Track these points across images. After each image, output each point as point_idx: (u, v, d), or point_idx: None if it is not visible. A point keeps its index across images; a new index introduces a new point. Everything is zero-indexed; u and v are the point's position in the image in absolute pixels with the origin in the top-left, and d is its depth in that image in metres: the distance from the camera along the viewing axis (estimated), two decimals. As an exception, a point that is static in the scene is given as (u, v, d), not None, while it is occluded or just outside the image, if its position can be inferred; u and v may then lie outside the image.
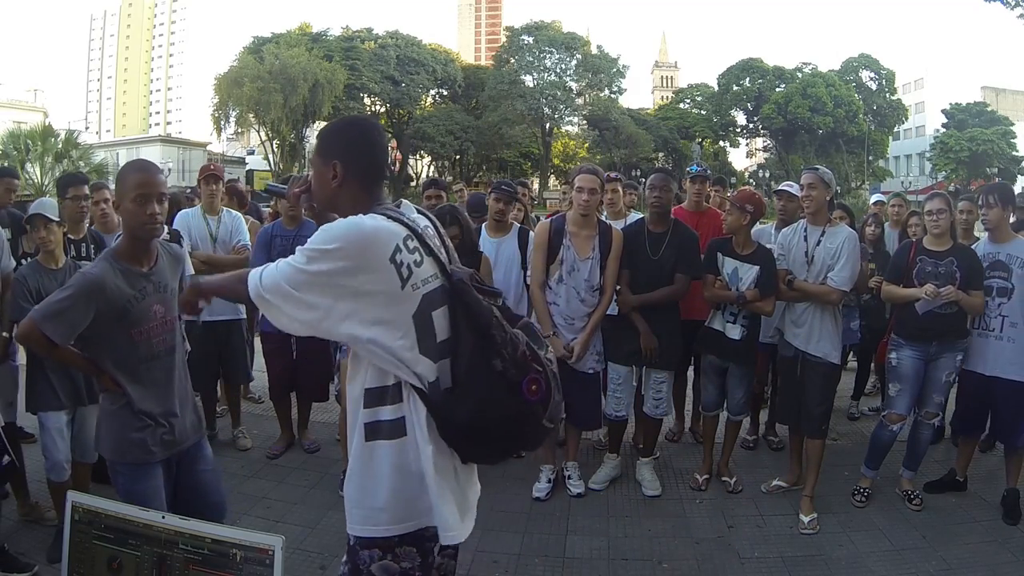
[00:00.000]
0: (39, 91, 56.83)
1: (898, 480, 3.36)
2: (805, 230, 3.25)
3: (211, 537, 1.38)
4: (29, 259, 2.93)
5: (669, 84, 74.08)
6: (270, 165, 40.55)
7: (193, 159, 40.31)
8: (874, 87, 45.10)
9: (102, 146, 39.36)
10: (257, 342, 4.37)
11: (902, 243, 3.80)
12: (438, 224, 1.57)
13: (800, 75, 44.70)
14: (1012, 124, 38.93)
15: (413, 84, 44.99)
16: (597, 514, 3.20)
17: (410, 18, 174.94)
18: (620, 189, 3.96)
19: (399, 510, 1.39)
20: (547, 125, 46.56)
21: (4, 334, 2.92)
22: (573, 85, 46.41)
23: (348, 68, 41.63)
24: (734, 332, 3.32)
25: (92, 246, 3.56)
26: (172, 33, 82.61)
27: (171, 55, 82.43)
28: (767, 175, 42.76)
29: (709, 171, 4.37)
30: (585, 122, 47.00)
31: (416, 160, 51.82)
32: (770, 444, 4.05)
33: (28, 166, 23.77)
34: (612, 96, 46.97)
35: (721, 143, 50.00)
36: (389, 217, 1.38)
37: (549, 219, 3.43)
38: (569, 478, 3.39)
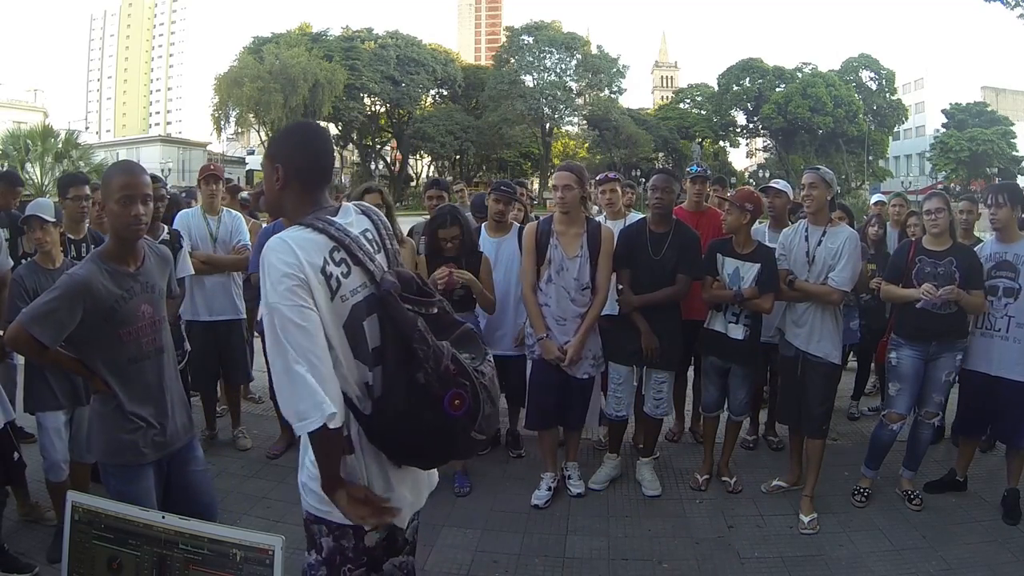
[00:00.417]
0: (39, 91, 56.92)
1: (898, 480, 3.36)
2: (806, 230, 3.24)
3: (211, 537, 1.38)
4: (28, 259, 2.92)
5: (669, 84, 74.09)
6: (270, 165, 40.49)
7: (193, 159, 40.34)
8: (874, 87, 45.10)
9: (102, 146, 39.39)
10: (257, 342, 4.38)
11: (901, 243, 3.80)
12: (382, 226, 1.55)
13: (800, 75, 44.70)
14: (1012, 124, 38.95)
15: (413, 84, 45.01)
16: (597, 514, 3.20)
17: (410, 18, 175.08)
18: (619, 189, 3.95)
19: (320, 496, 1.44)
20: (547, 125, 46.58)
21: (1, 333, 2.92)
22: (573, 85, 46.44)
23: (348, 68, 41.65)
24: (737, 332, 3.32)
25: (92, 246, 3.56)
26: (172, 33, 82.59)
27: (171, 55, 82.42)
28: (767, 175, 42.74)
29: (709, 171, 4.37)
30: (585, 122, 47.02)
31: (416, 160, 51.88)
32: (770, 444, 4.05)
33: (28, 166, 23.79)
34: (612, 96, 46.99)
35: (721, 143, 50.03)
36: (316, 228, 1.39)
37: (537, 220, 3.42)
38: (569, 478, 3.39)
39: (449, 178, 37.59)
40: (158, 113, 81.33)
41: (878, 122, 44.60)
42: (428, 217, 3.89)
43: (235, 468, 3.64)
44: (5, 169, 5.14)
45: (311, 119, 40.13)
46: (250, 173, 36.84)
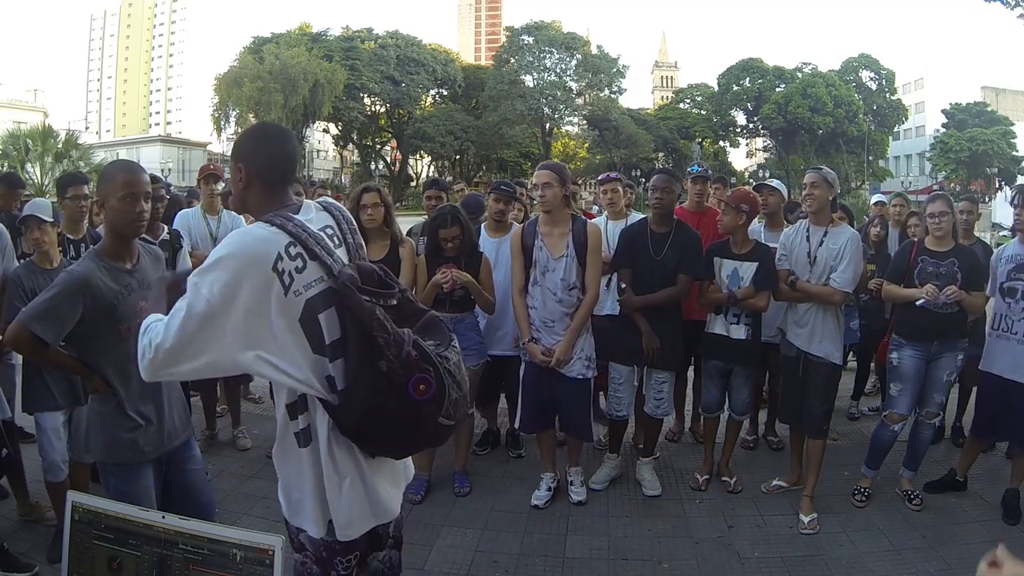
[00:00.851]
0: (39, 91, 56.93)
1: (898, 480, 3.36)
2: (807, 230, 3.24)
3: (211, 537, 1.38)
4: (26, 259, 2.91)
5: (669, 84, 74.10)
6: (270, 165, 40.50)
7: (193, 159, 40.37)
8: (874, 87, 45.09)
9: (102, 146, 39.42)
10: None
11: (903, 243, 3.80)
12: (343, 220, 1.58)
13: (800, 75, 44.68)
14: (1012, 124, 38.93)
15: (413, 84, 45.03)
16: (597, 514, 3.20)
17: (410, 18, 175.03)
18: (621, 189, 3.95)
19: (319, 513, 1.47)
20: (547, 125, 46.59)
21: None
22: (573, 85, 46.44)
23: (348, 68, 41.66)
24: (739, 332, 3.32)
25: (92, 246, 3.56)
26: (172, 33, 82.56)
27: (171, 55, 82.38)
28: (767, 175, 42.76)
29: (710, 171, 4.38)
30: (585, 122, 47.02)
31: (416, 160, 51.90)
32: (770, 444, 4.06)
33: (28, 166, 23.80)
34: (612, 96, 46.98)
35: (721, 143, 50.02)
36: (274, 225, 1.41)
37: (523, 223, 3.40)
38: (571, 484, 3.34)
39: (449, 178, 37.69)
40: (158, 113, 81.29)
41: (878, 122, 44.58)
42: (428, 217, 3.89)
43: (235, 468, 3.64)
44: (6, 171, 5.12)
45: (311, 119, 40.08)
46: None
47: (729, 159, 51.70)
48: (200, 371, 1.37)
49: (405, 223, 4.36)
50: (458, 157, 48.19)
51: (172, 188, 6.39)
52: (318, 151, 57.69)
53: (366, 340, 1.35)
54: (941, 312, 3.10)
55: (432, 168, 49.60)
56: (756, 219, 3.96)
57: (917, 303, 3.10)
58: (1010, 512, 3.09)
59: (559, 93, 45.11)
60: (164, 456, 2.06)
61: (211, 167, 4.14)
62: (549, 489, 3.31)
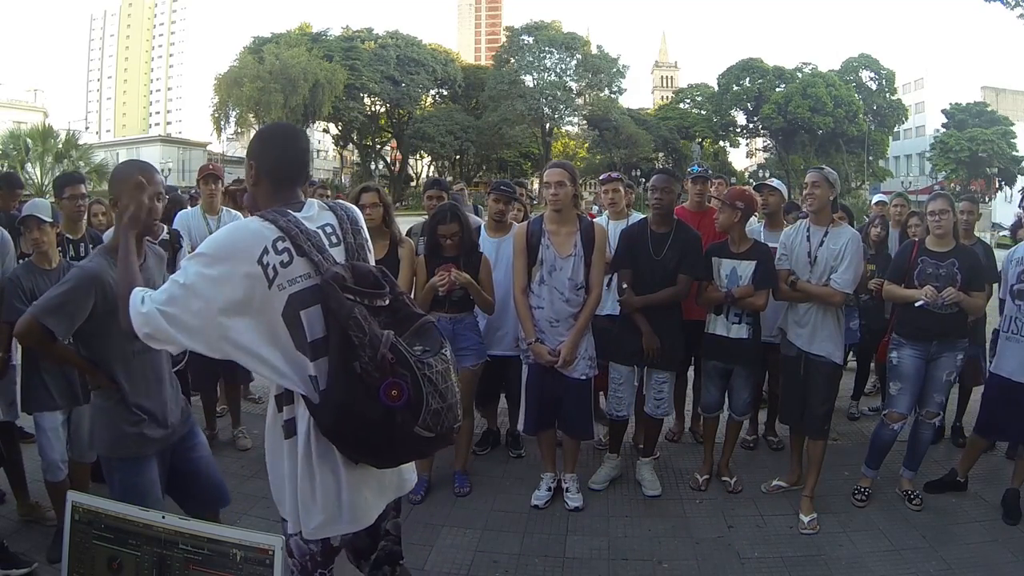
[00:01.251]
0: (39, 91, 56.95)
1: (898, 480, 3.36)
2: (808, 230, 3.23)
3: (211, 537, 1.38)
4: (25, 260, 2.90)
5: (669, 84, 74.10)
6: (270, 165, 40.50)
7: (193, 159, 40.35)
8: (874, 87, 45.08)
9: (102, 146, 39.36)
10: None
11: (904, 243, 3.80)
12: (346, 220, 1.59)
13: (800, 75, 44.67)
14: (1012, 124, 38.93)
15: (413, 84, 45.03)
16: (597, 514, 3.20)
17: (410, 18, 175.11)
18: (622, 189, 3.95)
19: (294, 507, 1.48)
20: (547, 125, 46.58)
21: None
22: (573, 85, 46.44)
23: (348, 68, 41.66)
24: (740, 332, 3.32)
25: (91, 245, 3.56)
26: (172, 33, 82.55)
27: (171, 55, 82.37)
28: (767, 175, 42.76)
29: (710, 171, 4.38)
30: (585, 122, 47.03)
31: (416, 160, 51.90)
32: (770, 444, 4.06)
33: (28, 166, 23.79)
34: (612, 96, 46.99)
35: (721, 143, 50.02)
36: (266, 219, 1.43)
37: (527, 221, 3.38)
38: (567, 491, 3.30)
39: (449, 178, 37.67)
40: (158, 113, 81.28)
41: (878, 122, 44.58)
42: (427, 217, 3.89)
43: (235, 468, 3.64)
44: (5, 171, 5.12)
45: (311, 119, 40.09)
46: (250, 173, 36.73)
47: (729, 159, 51.72)
48: (184, 343, 1.39)
49: (405, 223, 4.36)
50: (458, 157, 48.19)
51: (178, 190, 6.37)
52: (318, 151, 57.65)
53: (343, 339, 1.34)
54: (941, 312, 3.10)
55: (432, 168, 49.59)
56: (756, 219, 3.97)
57: (916, 304, 3.10)
58: (1010, 512, 3.09)
59: (559, 93, 45.11)
60: (168, 449, 2.10)
61: (211, 167, 4.14)
62: (549, 489, 3.31)
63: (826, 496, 3.25)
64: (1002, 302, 3.37)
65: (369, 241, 1.66)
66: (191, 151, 44.39)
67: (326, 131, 51.07)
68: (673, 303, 3.35)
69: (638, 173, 40.22)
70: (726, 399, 3.54)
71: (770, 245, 3.46)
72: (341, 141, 50.25)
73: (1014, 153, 38.38)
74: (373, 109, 46.81)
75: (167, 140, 48.34)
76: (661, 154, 46.86)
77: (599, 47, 47.56)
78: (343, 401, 1.35)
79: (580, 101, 46.44)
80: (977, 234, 3.84)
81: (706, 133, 47.85)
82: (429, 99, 48.94)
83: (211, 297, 1.35)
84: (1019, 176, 35.88)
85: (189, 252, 3.59)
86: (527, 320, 3.18)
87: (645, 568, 2.76)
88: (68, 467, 2.78)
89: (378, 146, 50.03)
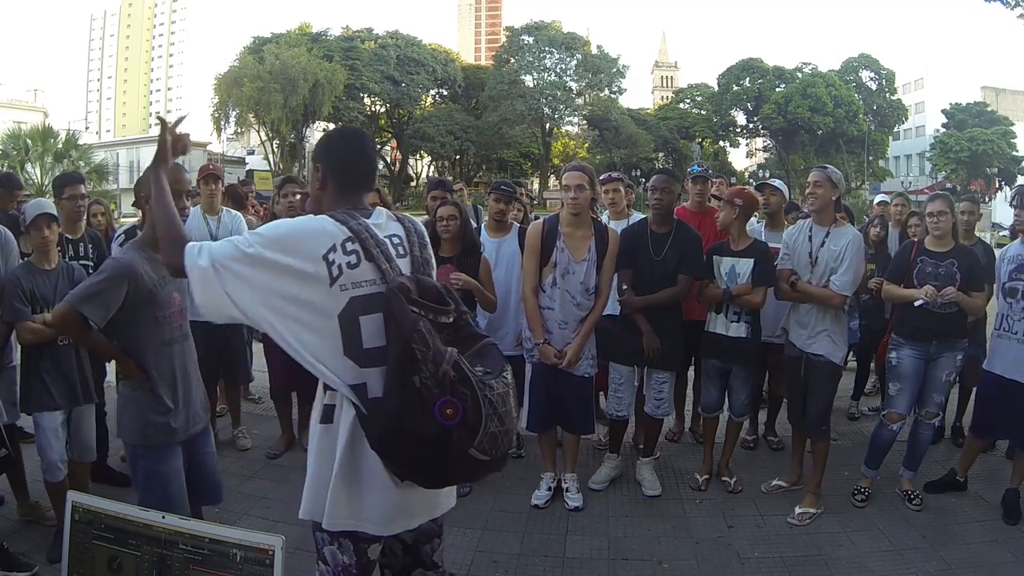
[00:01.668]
0: (39, 91, 57.03)
1: (898, 480, 3.36)
2: (810, 230, 3.22)
3: (211, 537, 1.38)
4: (25, 260, 2.89)
5: (669, 84, 74.09)
6: (270, 165, 40.57)
7: (193, 159, 40.21)
8: (874, 87, 45.08)
9: (102, 146, 39.32)
10: (256, 344, 4.38)
11: (903, 243, 3.80)
12: (414, 233, 1.58)
13: (800, 75, 44.68)
14: (1012, 124, 38.94)
15: (413, 84, 45.01)
16: (597, 514, 3.19)
17: (410, 18, 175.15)
18: (623, 189, 3.95)
19: (312, 496, 1.47)
20: (547, 125, 46.58)
21: None
22: (573, 85, 46.43)
23: (348, 68, 41.64)
24: (740, 331, 3.32)
25: (90, 245, 3.56)
26: (172, 33, 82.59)
27: (171, 55, 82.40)
28: (767, 175, 42.76)
29: (710, 171, 4.38)
30: (585, 122, 47.03)
31: (416, 160, 51.88)
32: (770, 444, 4.05)
33: (28, 166, 23.76)
34: (612, 96, 46.99)
35: (721, 143, 50.03)
36: (337, 219, 1.43)
37: (542, 220, 3.38)
38: (567, 491, 3.29)
39: (449, 178, 37.65)
40: (158, 113, 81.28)
41: (878, 122, 44.57)
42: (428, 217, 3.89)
43: (235, 468, 3.64)
44: (4, 172, 5.12)
45: (311, 119, 39.99)
46: (250, 173, 36.74)
47: (729, 159, 51.72)
48: (231, 310, 1.33)
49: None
50: (458, 157, 48.18)
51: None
52: (318, 151, 57.60)
53: (405, 351, 1.32)
54: (940, 312, 3.10)
55: (432, 168, 49.57)
56: (756, 219, 3.97)
57: (916, 304, 3.10)
58: (1010, 512, 3.09)
59: (559, 93, 45.10)
60: (189, 439, 2.22)
61: (211, 167, 4.14)
62: (549, 489, 3.31)
63: (826, 496, 3.25)
64: None
65: (433, 257, 1.64)
66: (191, 151, 44.32)
67: (326, 131, 50.96)
68: (673, 303, 3.35)
69: (638, 173, 40.23)
70: (726, 399, 3.54)
71: (771, 245, 3.46)
72: (341, 141, 50.16)
73: (1014, 153, 38.39)
74: (373, 109, 46.81)
75: (167, 140, 48.20)
76: (661, 154, 46.87)
77: (599, 47, 47.58)
78: (396, 414, 1.31)
79: (580, 101, 46.44)
80: (977, 234, 3.83)
81: (706, 133, 47.85)
82: (429, 99, 48.93)
83: (266, 279, 1.34)
84: (1019, 176, 35.85)
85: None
86: (536, 321, 3.16)
87: (645, 568, 2.76)
88: (68, 467, 2.78)
89: (378, 146, 49.99)
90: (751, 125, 48.05)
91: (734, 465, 3.59)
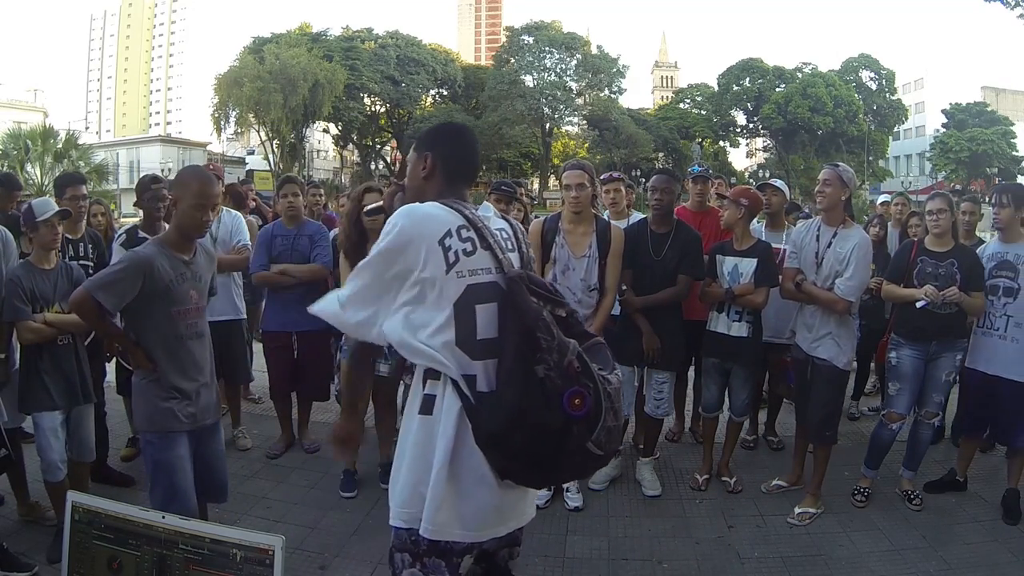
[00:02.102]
0: (39, 91, 56.98)
1: (898, 480, 3.36)
2: (818, 229, 3.19)
3: (211, 537, 1.38)
4: (24, 260, 2.88)
5: (669, 84, 74.06)
6: (270, 165, 40.57)
7: (193, 159, 40.28)
8: (874, 87, 45.08)
9: (102, 146, 39.37)
10: (257, 344, 4.37)
11: (903, 243, 3.80)
12: (519, 231, 1.57)
13: (800, 75, 44.69)
14: (1012, 124, 38.96)
15: (413, 84, 45.02)
16: (597, 514, 3.19)
17: (410, 18, 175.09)
18: (623, 188, 3.95)
19: (407, 498, 1.38)
20: (547, 125, 46.57)
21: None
22: (573, 85, 46.42)
23: (348, 68, 41.63)
24: (740, 330, 3.32)
25: (90, 246, 3.56)
26: (172, 33, 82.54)
27: (171, 55, 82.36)
28: (767, 175, 42.75)
29: (710, 171, 4.38)
30: (585, 122, 47.01)
31: (416, 160, 51.77)
32: (770, 444, 4.05)
33: (28, 166, 23.78)
34: (612, 96, 46.98)
35: (721, 143, 50.01)
36: (448, 206, 1.42)
37: (543, 219, 3.38)
38: (567, 491, 3.28)
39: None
40: (158, 113, 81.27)
41: (878, 122, 44.58)
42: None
43: (235, 468, 3.63)
44: (4, 173, 5.12)
45: (311, 119, 39.90)
46: (250, 173, 36.78)
47: (729, 159, 51.71)
48: (368, 320, 1.41)
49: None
50: (458, 157, 48.11)
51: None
52: (318, 151, 57.68)
53: (527, 341, 1.28)
54: (940, 312, 3.10)
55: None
56: (756, 219, 3.97)
57: (917, 305, 3.09)
58: (1010, 512, 3.09)
59: (559, 93, 45.09)
60: (197, 431, 2.30)
61: (211, 167, 4.14)
62: (549, 489, 3.31)
63: (826, 496, 3.25)
64: None
65: (534, 259, 1.65)
66: (191, 151, 44.36)
67: (326, 131, 51.05)
68: (673, 303, 3.35)
69: (638, 173, 40.20)
70: (726, 399, 3.53)
71: (772, 245, 3.46)
72: (341, 141, 50.24)
73: (1014, 153, 38.39)
74: (373, 109, 46.80)
75: (167, 140, 48.29)
76: (661, 154, 46.86)
77: (599, 47, 47.56)
78: (519, 404, 1.26)
79: (580, 101, 46.43)
80: (978, 234, 3.84)
81: (706, 133, 47.84)
82: (429, 99, 48.92)
83: (381, 271, 1.39)
84: (1019, 176, 35.85)
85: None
86: None
87: (645, 568, 2.76)
88: (68, 467, 2.78)
89: (378, 146, 50.02)
90: (751, 125, 48.04)
91: (734, 465, 3.59)
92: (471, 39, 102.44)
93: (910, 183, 40.75)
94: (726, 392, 3.51)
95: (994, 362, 3.14)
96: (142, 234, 3.43)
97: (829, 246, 3.12)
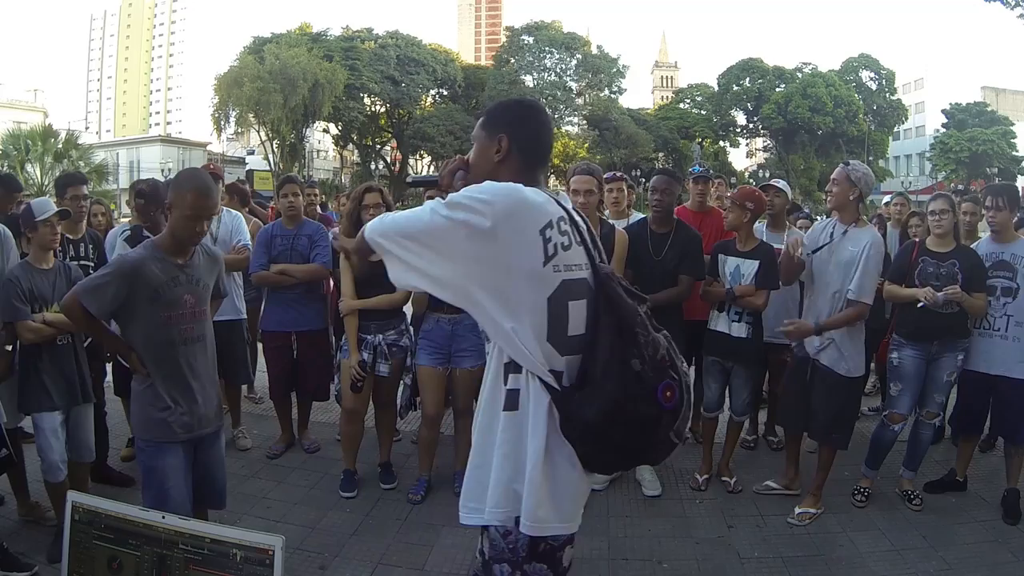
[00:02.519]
0: (39, 91, 56.94)
1: (898, 480, 3.36)
2: (833, 227, 3.14)
3: (211, 537, 1.38)
4: (22, 260, 2.88)
5: (669, 84, 74.09)
6: (270, 165, 40.55)
7: (193, 159, 40.33)
8: (874, 87, 45.09)
9: (102, 146, 39.39)
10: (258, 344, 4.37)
11: (905, 244, 3.79)
12: (588, 228, 1.50)
13: (800, 75, 44.68)
14: (1012, 124, 38.95)
15: (413, 84, 45.01)
16: (597, 514, 3.19)
17: (410, 18, 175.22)
18: (625, 188, 3.95)
19: (500, 497, 1.34)
20: (547, 125, 46.52)
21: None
22: (573, 85, 46.45)
23: (348, 68, 41.62)
24: (741, 331, 3.32)
25: (90, 246, 3.56)
26: (172, 33, 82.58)
27: (171, 55, 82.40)
28: (767, 175, 42.75)
29: (711, 171, 4.39)
30: (585, 122, 47.00)
31: (416, 160, 51.88)
32: (770, 444, 4.05)
33: (28, 166, 23.78)
34: (612, 96, 46.98)
35: (721, 143, 49.98)
36: (551, 196, 1.36)
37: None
38: None
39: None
40: (158, 113, 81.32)
41: (878, 122, 44.58)
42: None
43: (235, 468, 3.63)
44: (3, 173, 5.12)
45: (311, 119, 39.81)
46: (250, 173, 36.76)
47: (729, 159, 51.67)
48: (413, 274, 1.29)
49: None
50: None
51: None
52: (318, 151, 57.67)
53: (625, 336, 1.28)
54: (941, 312, 3.09)
55: (432, 168, 49.54)
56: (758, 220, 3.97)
57: (919, 305, 3.08)
58: (1010, 512, 3.09)
59: (559, 93, 45.11)
60: (195, 440, 2.25)
61: (211, 167, 4.15)
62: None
63: (826, 496, 3.24)
64: None
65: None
66: (191, 151, 44.38)
67: (326, 131, 51.04)
68: (674, 304, 3.35)
69: (638, 173, 40.20)
70: (726, 399, 3.53)
71: (774, 246, 3.45)
72: (341, 141, 50.22)
73: (1014, 153, 38.38)
74: (373, 109, 46.78)
75: (167, 140, 48.30)
76: (661, 154, 46.87)
77: (599, 47, 47.55)
78: (619, 397, 1.26)
79: (580, 101, 46.45)
80: (980, 234, 3.83)
81: (706, 133, 47.82)
82: (429, 99, 48.91)
83: (472, 241, 1.25)
84: (1019, 176, 35.84)
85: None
86: None
87: (645, 568, 2.76)
88: (68, 467, 2.78)
89: (378, 146, 50.01)
90: (751, 125, 48.03)
91: (734, 465, 3.59)
92: (471, 39, 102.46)
93: (910, 183, 40.75)
94: (726, 392, 3.51)
95: (996, 362, 3.13)
96: (145, 232, 3.43)
97: (839, 244, 3.07)
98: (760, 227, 3.91)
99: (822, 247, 3.11)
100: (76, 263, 3.25)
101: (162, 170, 31.59)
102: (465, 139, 44.54)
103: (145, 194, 3.44)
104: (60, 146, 24.94)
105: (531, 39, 46.12)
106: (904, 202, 5.17)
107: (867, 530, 3.03)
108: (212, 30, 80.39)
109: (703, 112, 48.28)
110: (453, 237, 1.26)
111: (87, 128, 65.01)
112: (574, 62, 46.27)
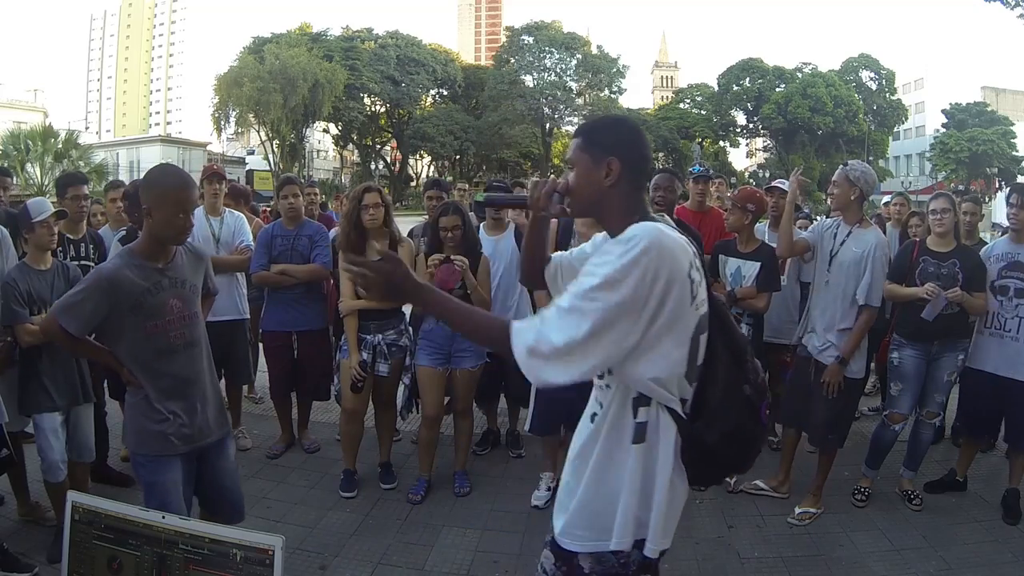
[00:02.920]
0: (39, 91, 56.91)
1: (898, 480, 3.36)
2: (837, 227, 3.14)
3: (211, 537, 1.38)
4: (20, 261, 2.86)
5: (669, 84, 74.02)
6: (270, 165, 40.58)
7: (193, 159, 40.28)
8: (874, 87, 45.12)
9: (102, 146, 39.34)
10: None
11: (905, 243, 3.79)
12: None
13: (800, 75, 44.72)
14: (1012, 124, 38.94)
15: (413, 84, 45.07)
16: (597, 514, 3.19)
17: (410, 18, 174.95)
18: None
19: (629, 521, 1.34)
20: (547, 125, 46.63)
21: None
22: (573, 85, 46.51)
23: (348, 68, 41.68)
24: (742, 331, 3.31)
25: (91, 246, 3.56)
26: (172, 33, 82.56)
27: (171, 55, 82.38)
28: (767, 175, 42.76)
29: (711, 171, 4.39)
30: (585, 122, 47.06)
31: (416, 160, 51.93)
32: (770, 444, 4.04)
33: (28, 166, 23.77)
34: (612, 96, 47.04)
35: (721, 143, 50.02)
36: (682, 233, 1.34)
37: (558, 220, 3.37)
38: None
39: (449, 178, 37.69)
40: (158, 113, 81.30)
41: (878, 122, 44.61)
42: (427, 218, 3.89)
43: (235, 468, 3.64)
44: (-2, 166, 5.14)
45: (311, 119, 39.86)
46: (250, 173, 36.81)
47: (729, 159, 51.70)
48: (586, 373, 1.22)
49: (405, 223, 4.36)
50: (458, 157, 48.19)
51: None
52: (318, 151, 57.68)
53: (739, 364, 1.36)
54: (942, 312, 3.09)
55: (432, 168, 49.60)
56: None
57: (923, 315, 3.07)
58: (1010, 512, 3.09)
59: (559, 93, 45.16)
60: (195, 452, 2.11)
61: (214, 167, 4.14)
62: (549, 489, 3.30)
63: (826, 496, 3.24)
64: None
65: None
66: (191, 151, 44.33)
67: (326, 131, 51.09)
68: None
69: (638, 173, 40.19)
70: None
71: (774, 247, 3.45)
72: (341, 141, 50.28)
73: (1014, 153, 38.38)
74: (373, 109, 46.84)
75: (167, 140, 48.24)
76: (661, 154, 46.85)
77: (599, 47, 47.66)
78: (737, 421, 1.33)
79: (580, 101, 46.48)
80: (981, 235, 3.83)
81: (706, 133, 47.84)
82: (429, 99, 48.97)
83: (637, 311, 1.19)
84: (1019, 176, 35.83)
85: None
86: None
87: (645, 568, 2.75)
88: (68, 467, 2.78)
89: (378, 146, 50.06)
90: (751, 125, 48.06)
91: (734, 465, 3.58)
92: (471, 39, 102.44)
93: (910, 183, 40.75)
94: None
95: (1006, 364, 3.09)
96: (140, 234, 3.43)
97: (843, 244, 3.08)
98: (761, 227, 3.91)
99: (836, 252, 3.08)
100: (76, 263, 3.24)
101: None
102: (465, 139, 44.63)
103: (130, 196, 3.44)
104: (60, 146, 24.91)
105: (531, 39, 46.16)
106: (904, 202, 5.16)
107: (867, 530, 3.03)
108: (212, 30, 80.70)
109: (703, 112, 48.30)
110: (620, 326, 1.20)
111: (87, 128, 65.02)
112: (574, 62, 46.32)
